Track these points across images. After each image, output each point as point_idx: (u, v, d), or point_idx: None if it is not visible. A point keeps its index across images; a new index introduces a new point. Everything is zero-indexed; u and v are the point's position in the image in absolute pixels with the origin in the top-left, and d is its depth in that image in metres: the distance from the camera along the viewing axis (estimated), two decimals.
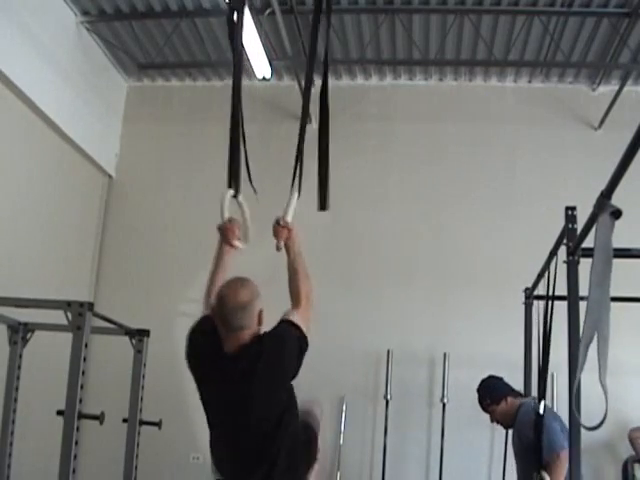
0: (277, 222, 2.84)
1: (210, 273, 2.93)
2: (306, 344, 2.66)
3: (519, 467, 4.06)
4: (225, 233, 2.93)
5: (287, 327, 2.64)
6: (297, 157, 2.89)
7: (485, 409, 4.17)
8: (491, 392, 4.13)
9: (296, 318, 2.67)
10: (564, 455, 3.28)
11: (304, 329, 2.66)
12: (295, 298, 2.77)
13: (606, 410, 1.71)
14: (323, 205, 2.87)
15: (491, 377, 4.25)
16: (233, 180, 3.02)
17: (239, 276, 2.71)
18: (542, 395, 3.40)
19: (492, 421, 4.21)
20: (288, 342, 2.61)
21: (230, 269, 2.93)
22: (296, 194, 2.88)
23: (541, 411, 3.39)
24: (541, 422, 3.38)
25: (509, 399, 4.06)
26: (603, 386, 1.77)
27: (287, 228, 2.83)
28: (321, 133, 2.89)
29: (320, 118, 2.90)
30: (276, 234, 2.84)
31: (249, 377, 2.53)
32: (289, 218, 2.84)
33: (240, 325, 2.56)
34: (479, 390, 4.20)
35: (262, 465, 2.56)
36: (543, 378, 3.40)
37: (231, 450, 2.64)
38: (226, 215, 2.96)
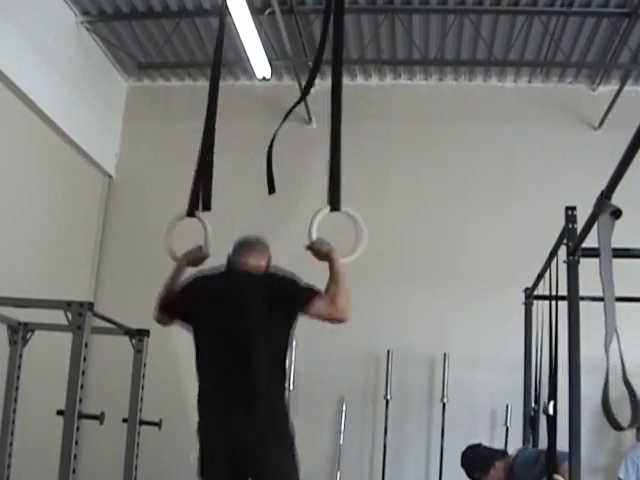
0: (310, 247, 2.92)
1: (168, 282, 3.08)
2: (300, 309, 2.81)
3: None
4: (194, 257, 3.13)
5: (300, 282, 2.82)
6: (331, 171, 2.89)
7: None
8: (477, 463, 3.99)
9: (317, 296, 2.81)
10: None
11: (308, 315, 2.80)
12: (333, 300, 2.87)
13: (637, 406, 1.70)
14: (335, 205, 2.88)
15: (470, 447, 4.15)
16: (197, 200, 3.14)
17: None
18: (553, 395, 3.37)
19: None
20: (292, 281, 2.85)
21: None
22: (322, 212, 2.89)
23: (551, 412, 3.36)
24: (554, 424, 3.34)
25: (496, 464, 3.94)
26: (628, 384, 1.77)
27: (320, 249, 2.90)
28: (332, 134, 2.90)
29: (332, 124, 2.91)
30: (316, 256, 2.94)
31: (252, 292, 2.79)
32: (314, 236, 2.90)
33: (252, 245, 2.96)
34: (464, 465, 4.06)
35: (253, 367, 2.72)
36: (554, 378, 3.37)
37: (223, 355, 2.77)
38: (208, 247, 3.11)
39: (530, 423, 4.50)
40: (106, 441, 4.90)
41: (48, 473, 3.54)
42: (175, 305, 2.98)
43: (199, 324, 2.87)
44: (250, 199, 6.71)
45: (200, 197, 3.16)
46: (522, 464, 3.86)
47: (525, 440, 4.76)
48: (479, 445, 4.18)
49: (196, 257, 3.14)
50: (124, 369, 4.49)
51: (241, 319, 2.73)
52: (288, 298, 2.80)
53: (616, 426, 1.86)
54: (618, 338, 1.86)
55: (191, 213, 3.18)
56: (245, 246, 2.96)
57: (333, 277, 2.88)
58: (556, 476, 3.24)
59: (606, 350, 1.87)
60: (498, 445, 5.69)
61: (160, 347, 5.16)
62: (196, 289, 2.95)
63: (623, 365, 1.82)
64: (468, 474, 4.04)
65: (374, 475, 6.26)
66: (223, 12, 3.25)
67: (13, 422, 4.13)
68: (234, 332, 2.74)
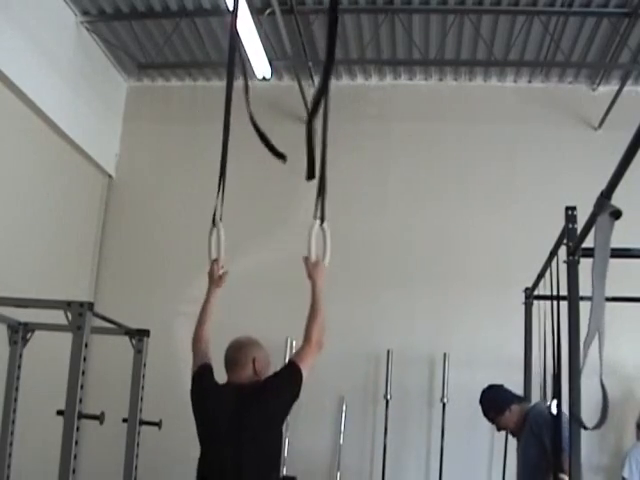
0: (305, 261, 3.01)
1: (199, 316, 3.20)
2: (298, 389, 2.90)
3: (521, 468, 4.02)
4: (213, 276, 3.21)
5: (284, 378, 2.92)
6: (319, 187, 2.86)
7: (492, 421, 4.05)
8: (494, 403, 4.00)
9: (301, 359, 2.94)
10: None
11: (305, 370, 2.92)
12: (306, 336, 2.98)
13: (606, 408, 1.70)
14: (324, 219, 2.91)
15: (491, 387, 4.14)
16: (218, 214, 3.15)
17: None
18: (557, 395, 3.35)
19: (498, 430, 4.11)
20: (280, 395, 2.90)
21: (215, 310, 3.21)
22: (316, 226, 2.93)
23: (554, 411, 3.35)
24: (559, 423, 3.32)
25: (513, 407, 3.94)
26: (602, 384, 1.76)
27: (312, 267, 3.00)
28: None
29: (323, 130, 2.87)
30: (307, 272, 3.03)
31: (239, 420, 2.82)
32: (313, 254, 2.97)
33: (234, 359, 3.01)
34: (482, 403, 4.07)
35: None
36: (557, 378, 3.35)
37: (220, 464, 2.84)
38: (214, 254, 3.18)
39: None
40: (106, 441, 4.89)
41: (48, 473, 3.54)
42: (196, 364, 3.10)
43: (200, 425, 2.96)
44: (251, 197, 6.73)
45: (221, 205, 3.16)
46: (534, 419, 3.84)
47: None
48: (500, 386, 4.13)
49: (216, 275, 3.21)
50: (124, 369, 4.49)
51: (235, 441, 2.82)
52: (285, 390, 2.91)
53: (581, 426, 1.87)
54: (601, 338, 1.86)
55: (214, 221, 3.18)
56: (229, 363, 3.04)
57: (312, 298, 3.00)
58: (562, 475, 3.23)
59: (585, 349, 1.87)
60: (499, 446, 5.70)
61: (160, 347, 5.17)
62: (204, 389, 3.03)
63: (601, 365, 1.81)
64: (484, 412, 4.05)
65: (374, 475, 6.26)
66: (235, 12, 3.21)
67: (13, 422, 4.13)
68: (229, 455, 2.82)
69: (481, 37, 6.20)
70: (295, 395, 2.91)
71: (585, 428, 1.85)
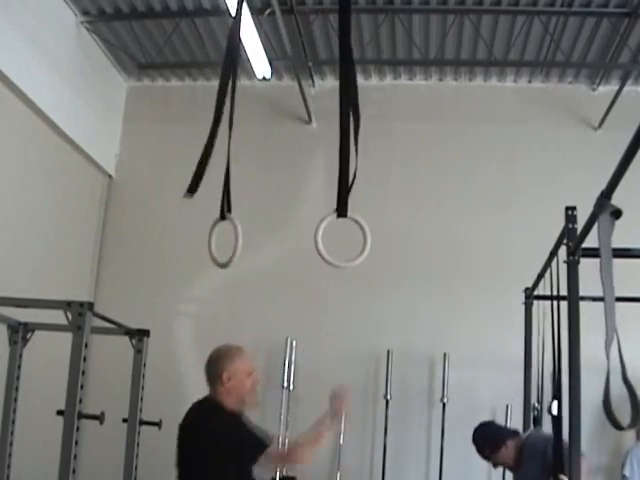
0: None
1: None
2: (246, 452, 2.92)
3: None
4: None
5: (250, 436, 2.94)
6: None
7: (487, 458, 4.01)
8: (490, 439, 3.97)
9: (272, 451, 2.98)
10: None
11: (261, 457, 2.89)
12: (290, 453, 3.08)
13: (636, 406, 1.70)
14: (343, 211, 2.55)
15: (483, 424, 4.13)
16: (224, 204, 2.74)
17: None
18: (558, 395, 3.35)
19: (495, 467, 4.09)
20: (215, 434, 2.97)
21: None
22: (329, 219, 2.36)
23: (554, 412, 3.34)
24: (559, 424, 3.32)
25: (509, 442, 3.91)
26: (628, 382, 1.77)
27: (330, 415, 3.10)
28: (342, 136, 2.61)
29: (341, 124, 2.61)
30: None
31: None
32: (320, 245, 2.55)
33: (206, 374, 3.06)
34: (475, 441, 4.03)
35: None
36: (558, 378, 3.36)
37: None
38: (214, 249, 2.71)
39: (533, 422, 4.50)
40: (106, 441, 4.89)
41: (48, 473, 3.54)
42: None
43: None
44: (250, 198, 6.72)
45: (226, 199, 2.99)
46: (532, 447, 3.83)
47: None
48: (492, 422, 4.18)
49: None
50: (124, 369, 4.49)
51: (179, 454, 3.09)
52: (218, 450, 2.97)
53: (617, 426, 1.85)
54: (618, 338, 1.86)
55: (223, 216, 2.82)
56: (206, 376, 3.09)
57: (316, 430, 3.10)
58: (562, 476, 3.22)
59: (606, 350, 1.86)
60: None
61: (160, 347, 5.17)
62: None
63: (623, 365, 1.82)
64: (479, 450, 4.01)
65: (374, 475, 6.26)
66: (238, 17, 3.12)
67: (13, 422, 4.13)
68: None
69: (481, 37, 6.20)
70: (239, 453, 2.92)
71: (621, 429, 1.85)
